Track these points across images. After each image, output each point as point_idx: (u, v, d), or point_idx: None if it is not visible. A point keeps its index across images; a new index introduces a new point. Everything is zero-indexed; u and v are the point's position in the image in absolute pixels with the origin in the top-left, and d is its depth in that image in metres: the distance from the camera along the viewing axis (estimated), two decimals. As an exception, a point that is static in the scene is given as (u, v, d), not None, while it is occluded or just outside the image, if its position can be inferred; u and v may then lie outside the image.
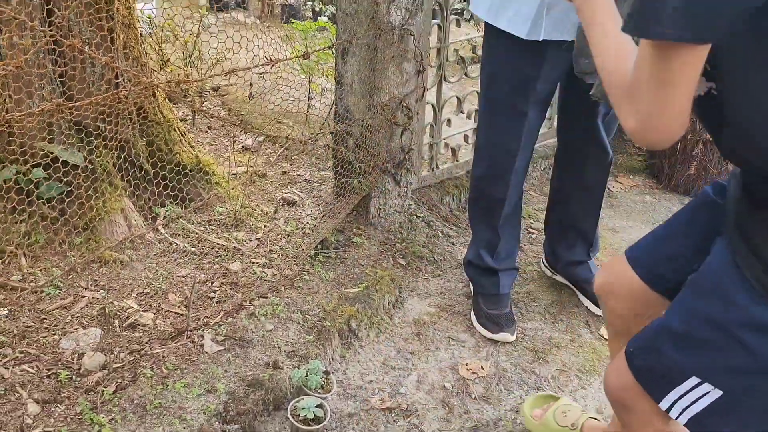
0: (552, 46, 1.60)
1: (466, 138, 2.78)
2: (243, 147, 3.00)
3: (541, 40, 1.57)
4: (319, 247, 2.22)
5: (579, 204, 2.05)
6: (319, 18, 5.42)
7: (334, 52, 2.25)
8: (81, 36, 1.69)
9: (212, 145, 3.02)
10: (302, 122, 3.29)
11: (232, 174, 2.60)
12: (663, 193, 3.13)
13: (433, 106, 2.54)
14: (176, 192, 2.13)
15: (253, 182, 2.57)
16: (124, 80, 1.88)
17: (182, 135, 2.31)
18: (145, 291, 1.91)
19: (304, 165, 2.86)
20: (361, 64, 2.17)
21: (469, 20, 2.55)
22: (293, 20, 5.13)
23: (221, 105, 3.49)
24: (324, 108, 3.24)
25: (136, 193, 2.17)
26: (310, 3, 5.65)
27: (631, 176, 3.27)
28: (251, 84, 3.50)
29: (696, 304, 1.03)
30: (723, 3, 0.76)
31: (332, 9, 5.78)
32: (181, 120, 3.29)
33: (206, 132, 3.19)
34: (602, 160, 1.95)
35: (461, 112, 2.68)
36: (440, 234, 2.52)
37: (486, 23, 1.68)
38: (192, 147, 2.36)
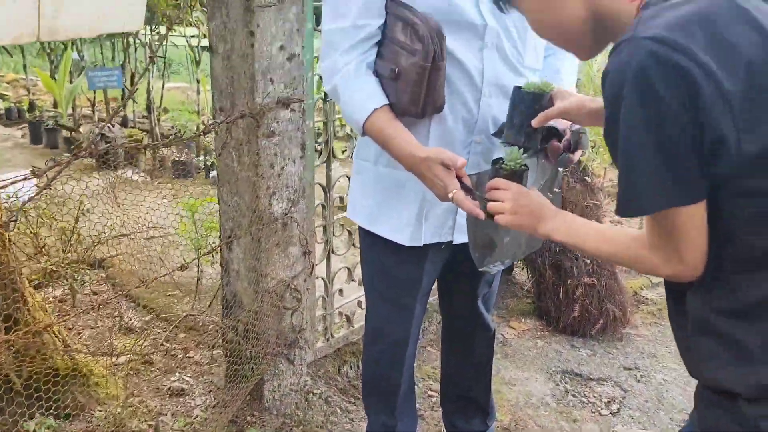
0: (432, 247, 1.67)
1: (359, 304, 2.80)
2: (128, 329, 2.85)
3: (422, 245, 1.64)
4: (210, 446, 2.09)
5: (468, 378, 2.08)
6: (211, 173, 5.48)
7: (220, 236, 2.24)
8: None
9: (94, 328, 2.85)
10: (192, 293, 3.20)
11: (114, 365, 2.45)
12: (553, 335, 3.25)
13: (323, 279, 2.56)
14: (49, 402, 1.96)
15: (138, 373, 2.42)
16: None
17: (56, 336, 2.17)
18: None
19: (193, 345, 2.75)
20: (246, 252, 2.17)
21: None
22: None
23: (105, 279, 3.35)
24: (215, 278, 3.19)
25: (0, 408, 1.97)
26: (202, 158, 5.72)
27: (523, 319, 3.39)
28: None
29: None
30: (689, 167, 0.87)
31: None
32: (60, 301, 3.11)
33: (89, 313, 3.03)
34: (486, 337, 2.01)
35: (353, 280, 2.72)
36: (339, 410, 2.45)
37: (362, 228, 1.74)
38: (68, 346, 2.22)
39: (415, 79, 1.39)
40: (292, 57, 2.00)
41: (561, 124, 1.49)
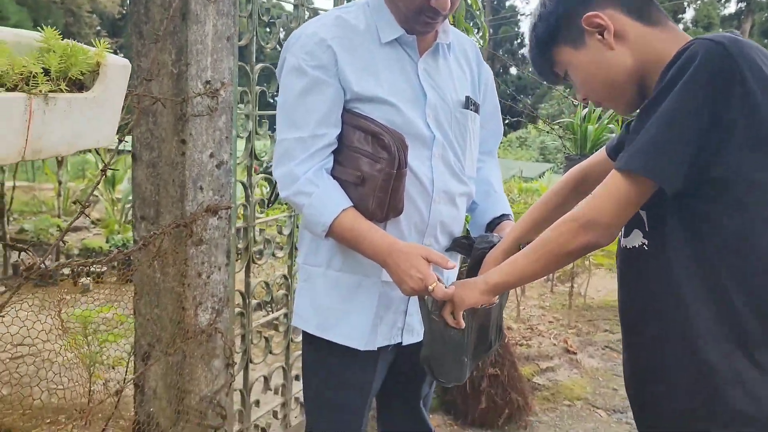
0: (383, 349, 1.67)
1: (275, 414, 2.67)
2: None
3: (376, 349, 1.63)
4: None
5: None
6: (81, 280, 5.05)
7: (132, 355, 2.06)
8: None
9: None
10: (79, 418, 2.85)
11: None
12: (462, 429, 3.28)
13: (241, 391, 2.42)
14: None
15: None
16: None
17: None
18: None
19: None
20: (166, 368, 2.01)
21: (271, 303, 2.59)
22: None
23: (-32, 411, 2.89)
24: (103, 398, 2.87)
25: None
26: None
27: (431, 415, 3.39)
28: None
29: None
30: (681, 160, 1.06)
31: (95, 270, 5.42)
32: None
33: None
34: (427, 440, 2.00)
35: (269, 389, 2.60)
36: None
37: (307, 333, 1.69)
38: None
39: (382, 185, 1.45)
40: (220, 164, 1.98)
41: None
